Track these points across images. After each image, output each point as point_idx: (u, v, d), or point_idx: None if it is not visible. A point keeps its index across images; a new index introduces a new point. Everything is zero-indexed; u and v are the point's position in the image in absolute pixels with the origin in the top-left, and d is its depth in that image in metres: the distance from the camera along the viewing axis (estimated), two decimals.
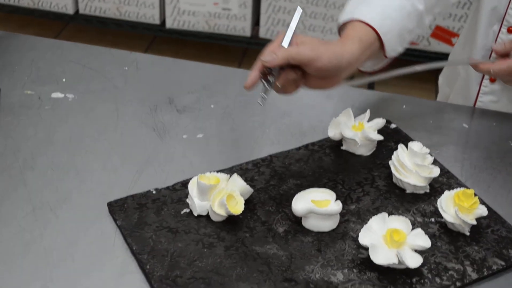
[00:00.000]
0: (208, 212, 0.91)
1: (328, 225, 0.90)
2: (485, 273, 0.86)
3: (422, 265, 0.84)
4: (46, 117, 1.11)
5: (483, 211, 0.91)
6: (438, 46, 2.58)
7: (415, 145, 0.98)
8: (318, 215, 0.89)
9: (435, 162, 1.01)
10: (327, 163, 1.03)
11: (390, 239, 0.84)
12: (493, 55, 1.11)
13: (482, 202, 0.95)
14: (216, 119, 1.12)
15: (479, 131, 1.13)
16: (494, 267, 0.86)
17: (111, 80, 1.22)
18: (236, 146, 1.07)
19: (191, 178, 0.94)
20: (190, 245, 0.87)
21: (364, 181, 0.99)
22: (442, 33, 2.58)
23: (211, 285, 0.82)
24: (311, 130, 1.11)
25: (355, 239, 0.89)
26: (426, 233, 0.87)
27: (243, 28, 2.66)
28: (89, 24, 2.80)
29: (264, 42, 2.86)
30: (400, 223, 0.87)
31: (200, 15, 2.66)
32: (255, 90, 0.91)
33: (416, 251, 0.85)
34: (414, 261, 0.84)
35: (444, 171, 1.01)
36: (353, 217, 0.93)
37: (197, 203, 0.91)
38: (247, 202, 0.93)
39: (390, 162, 0.99)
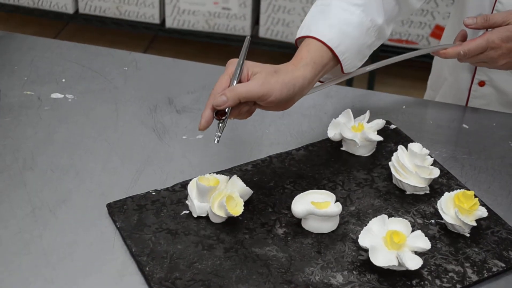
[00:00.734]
0: (207, 214, 0.91)
1: (328, 226, 0.90)
2: (485, 275, 0.85)
3: (422, 267, 0.84)
4: (45, 118, 1.11)
5: (483, 212, 0.91)
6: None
7: (415, 146, 0.98)
8: (318, 217, 0.89)
9: (434, 163, 1.01)
10: (327, 164, 1.02)
11: (390, 241, 0.84)
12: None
13: (482, 203, 0.95)
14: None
15: (479, 132, 1.13)
16: (494, 269, 0.86)
17: (110, 80, 1.21)
18: (235, 146, 1.07)
19: (190, 179, 0.94)
20: (190, 247, 0.87)
21: (364, 182, 0.99)
22: (442, 32, 2.58)
23: (210, 287, 0.82)
24: (310, 131, 1.10)
25: (355, 241, 0.89)
26: (426, 234, 0.87)
27: (243, 27, 2.66)
28: (89, 24, 2.80)
29: (264, 42, 2.85)
30: (400, 225, 0.87)
31: (200, 15, 2.66)
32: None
33: (416, 253, 0.85)
34: (414, 263, 0.83)
35: (444, 172, 1.01)
36: (353, 219, 0.93)
37: (197, 205, 0.91)
38: (247, 203, 0.92)
39: (390, 163, 0.99)
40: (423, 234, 0.86)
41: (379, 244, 0.85)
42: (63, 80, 1.21)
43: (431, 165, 0.98)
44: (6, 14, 3.01)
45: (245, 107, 0.92)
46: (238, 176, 0.94)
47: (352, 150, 1.04)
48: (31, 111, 1.12)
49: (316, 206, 0.89)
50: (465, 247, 0.89)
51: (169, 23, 2.70)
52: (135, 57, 1.28)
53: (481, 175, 1.03)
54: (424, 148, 0.98)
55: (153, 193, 0.95)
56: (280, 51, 2.71)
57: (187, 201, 0.93)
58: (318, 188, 0.96)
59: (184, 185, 0.96)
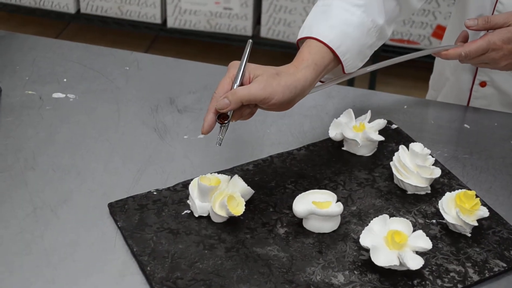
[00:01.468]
0: (209, 213, 0.91)
1: (329, 226, 0.90)
2: (487, 275, 0.85)
3: (423, 266, 0.84)
4: (47, 117, 1.11)
5: (484, 212, 0.91)
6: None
7: (416, 146, 0.98)
8: (319, 217, 0.89)
9: (436, 163, 1.01)
10: (328, 164, 1.02)
11: (391, 241, 0.84)
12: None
13: (484, 203, 0.95)
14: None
15: (481, 132, 1.13)
16: (496, 269, 0.86)
17: (112, 80, 1.21)
18: (237, 146, 1.07)
19: (192, 179, 0.94)
20: (191, 247, 0.87)
21: (365, 182, 0.99)
22: (443, 32, 2.57)
23: (211, 286, 0.82)
24: (311, 131, 1.10)
25: (356, 241, 0.89)
26: (427, 234, 0.87)
27: (244, 27, 2.66)
28: (90, 24, 2.80)
29: (266, 42, 2.85)
30: (401, 224, 0.87)
31: (202, 14, 2.66)
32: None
33: (417, 252, 0.85)
34: (415, 262, 0.83)
35: (445, 172, 1.01)
36: (354, 219, 0.93)
37: (198, 204, 0.91)
38: (248, 203, 0.92)
39: (391, 163, 0.99)
40: (424, 234, 0.86)
41: (381, 244, 0.85)
42: (65, 80, 1.21)
43: (432, 165, 0.98)
44: (7, 14, 3.01)
45: (247, 109, 0.93)
46: (239, 176, 0.94)
47: (353, 150, 1.04)
48: (32, 111, 1.12)
49: (317, 206, 0.89)
50: (466, 247, 0.89)
51: (170, 23, 2.70)
52: (136, 57, 1.28)
53: (482, 175, 1.03)
54: (426, 148, 0.98)
55: (155, 193, 0.95)
56: (281, 51, 2.71)
57: (188, 201, 0.94)
58: (320, 188, 0.96)
59: (185, 184, 0.96)
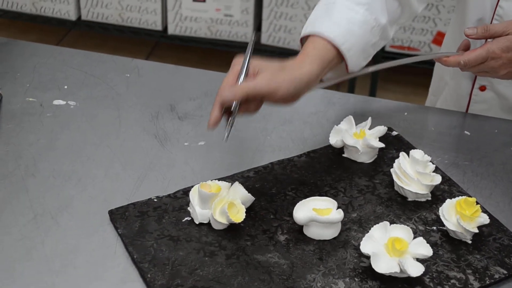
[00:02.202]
0: (209, 220, 0.91)
1: (329, 233, 0.90)
2: (487, 282, 0.85)
3: (424, 273, 0.84)
4: (48, 124, 1.11)
5: (484, 219, 0.91)
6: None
7: (416, 153, 0.98)
8: (320, 224, 0.89)
9: (436, 170, 1.01)
10: (329, 170, 1.02)
11: (392, 248, 0.84)
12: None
13: (484, 210, 0.95)
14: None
15: (481, 138, 1.13)
16: (496, 276, 0.86)
17: (113, 87, 1.22)
18: (237, 153, 1.07)
19: (192, 186, 0.94)
20: (191, 254, 0.87)
21: (366, 189, 0.99)
22: (443, 39, 2.58)
23: None
24: (312, 137, 1.11)
25: (357, 248, 0.89)
26: (428, 241, 0.87)
27: (245, 34, 2.66)
28: (91, 30, 2.81)
29: (266, 48, 2.85)
30: (401, 231, 0.87)
31: (202, 21, 2.66)
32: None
33: (417, 259, 0.85)
34: (416, 269, 0.83)
35: (445, 179, 1.01)
36: (354, 225, 0.93)
37: (198, 211, 0.91)
38: (248, 210, 0.92)
39: (391, 170, 0.99)
40: (425, 241, 0.86)
41: (381, 251, 0.85)
42: (66, 87, 1.21)
43: (433, 171, 0.98)
44: (8, 21, 3.02)
45: (252, 103, 0.92)
46: (240, 182, 0.94)
47: (354, 156, 1.04)
48: (33, 118, 1.12)
49: (318, 213, 0.89)
50: (467, 254, 0.89)
51: (171, 30, 2.70)
52: (137, 63, 1.29)
53: (482, 182, 1.03)
54: (426, 155, 0.98)
55: (155, 200, 0.95)
56: (282, 58, 2.71)
57: (189, 208, 0.94)
58: (320, 195, 0.96)
59: (185, 191, 0.96)
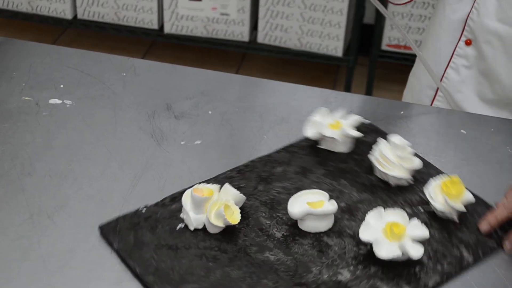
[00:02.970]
0: (204, 225, 0.90)
1: (324, 225, 0.91)
2: (481, 255, 0.89)
3: None
4: (44, 123, 1.11)
5: (470, 197, 0.93)
6: None
7: (395, 138, 0.99)
8: (315, 216, 0.90)
9: (417, 156, 1.02)
10: (309, 163, 1.03)
11: (391, 233, 0.86)
12: None
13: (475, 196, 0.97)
14: (214, 125, 1.12)
15: (478, 137, 1.13)
16: (488, 248, 0.89)
17: (109, 86, 1.21)
18: (234, 152, 1.07)
19: (179, 192, 0.94)
20: (194, 261, 0.86)
21: (348, 178, 1.00)
22: None
23: None
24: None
25: (353, 236, 0.90)
26: None
27: (241, 33, 2.66)
28: (87, 29, 2.81)
29: (263, 47, 2.85)
30: (396, 216, 0.89)
31: (199, 20, 2.66)
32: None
33: (415, 241, 0.87)
34: (416, 251, 0.85)
35: (424, 163, 1.02)
36: (345, 215, 0.94)
37: (193, 217, 0.89)
38: (240, 210, 0.92)
39: (371, 157, 1.00)
40: (420, 223, 0.88)
41: (380, 236, 0.86)
42: (62, 86, 1.21)
43: (412, 155, 1.00)
44: (4, 20, 3.01)
45: None
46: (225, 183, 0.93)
47: (331, 147, 1.05)
48: (29, 117, 1.12)
49: (312, 206, 0.89)
50: (456, 231, 0.92)
51: (167, 29, 2.70)
52: (133, 62, 1.28)
53: (479, 181, 1.03)
54: (404, 139, 0.99)
55: (143, 211, 0.93)
56: (278, 57, 2.71)
57: (181, 215, 0.92)
58: (305, 188, 0.96)
59: (173, 198, 0.95)
